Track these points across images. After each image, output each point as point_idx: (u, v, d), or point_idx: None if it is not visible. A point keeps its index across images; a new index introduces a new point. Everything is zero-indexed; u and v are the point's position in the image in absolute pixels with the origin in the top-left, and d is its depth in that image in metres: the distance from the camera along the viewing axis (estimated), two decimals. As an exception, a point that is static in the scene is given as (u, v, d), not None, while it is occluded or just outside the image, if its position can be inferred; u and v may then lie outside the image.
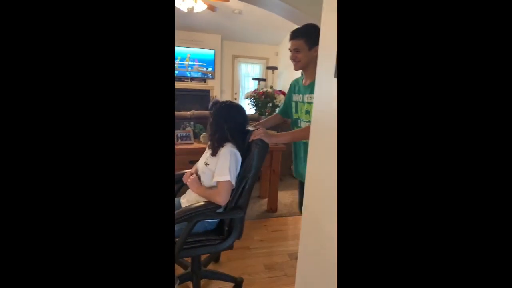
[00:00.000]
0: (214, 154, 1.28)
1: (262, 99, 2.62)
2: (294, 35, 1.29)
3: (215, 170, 1.24)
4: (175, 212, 1.15)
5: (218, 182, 1.23)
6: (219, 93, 5.94)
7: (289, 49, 1.33)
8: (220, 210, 1.25)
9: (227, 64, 6.02)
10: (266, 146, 1.27)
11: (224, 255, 1.72)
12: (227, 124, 1.28)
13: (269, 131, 1.36)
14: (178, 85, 5.35)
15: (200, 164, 1.38)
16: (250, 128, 1.38)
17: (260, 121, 1.70)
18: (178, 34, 5.13)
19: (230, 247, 1.30)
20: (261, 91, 2.66)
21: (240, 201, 1.26)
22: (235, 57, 6.00)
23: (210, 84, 5.81)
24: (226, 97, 6.01)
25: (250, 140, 1.28)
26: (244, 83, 6.29)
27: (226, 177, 1.21)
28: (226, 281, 1.49)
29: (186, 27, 5.18)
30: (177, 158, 1.83)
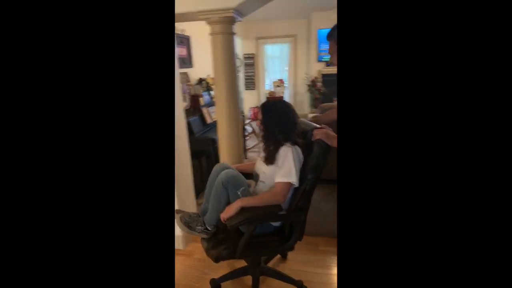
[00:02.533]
0: (271, 161, 1.20)
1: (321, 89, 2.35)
2: (327, 38, 1.24)
3: (278, 172, 1.17)
4: (235, 215, 1.12)
5: (276, 183, 1.17)
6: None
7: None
8: (282, 212, 1.18)
9: (250, 48, 5.72)
10: (327, 147, 1.18)
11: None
12: (277, 126, 1.21)
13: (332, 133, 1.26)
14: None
15: (255, 180, 1.32)
16: (310, 123, 1.29)
17: (317, 115, 1.56)
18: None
19: (290, 249, 1.26)
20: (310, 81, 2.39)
21: (301, 202, 1.20)
22: (258, 39, 5.69)
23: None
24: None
25: (313, 140, 1.19)
26: (270, 66, 6.00)
27: (289, 178, 1.15)
28: (286, 282, 1.43)
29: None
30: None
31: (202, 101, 3.20)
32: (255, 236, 1.20)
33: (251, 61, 5.74)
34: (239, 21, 1.60)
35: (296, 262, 1.59)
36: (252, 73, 5.82)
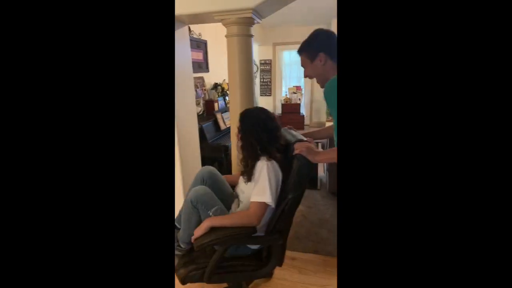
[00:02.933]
0: (249, 177, 1.08)
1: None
2: (298, 52, 1.18)
3: (253, 190, 1.04)
4: (204, 235, 1.01)
5: (250, 203, 1.04)
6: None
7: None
8: (259, 233, 1.06)
9: (266, 54, 5.65)
10: (308, 164, 1.05)
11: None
12: (254, 134, 1.08)
13: (314, 147, 1.14)
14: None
15: (235, 200, 1.21)
16: (298, 134, 1.16)
17: (311, 131, 1.46)
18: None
19: (268, 275, 1.14)
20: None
21: (279, 225, 1.07)
22: (275, 45, 5.61)
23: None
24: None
25: (292, 154, 1.07)
26: (288, 73, 5.90)
27: (262, 198, 1.01)
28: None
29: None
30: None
31: (217, 106, 3.13)
32: (229, 259, 1.10)
33: (267, 67, 5.66)
34: (258, 22, 1.51)
35: (311, 286, 1.46)
36: (268, 79, 5.74)
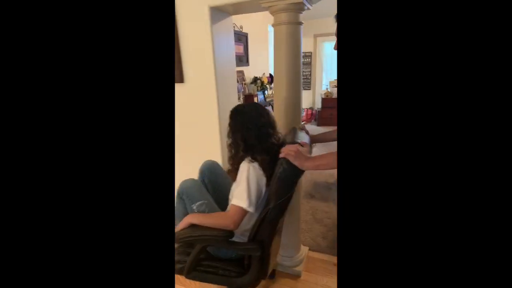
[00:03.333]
0: (234, 177, 1.02)
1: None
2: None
3: (234, 192, 0.98)
4: (183, 229, 0.99)
5: (230, 205, 0.99)
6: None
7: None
8: (241, 238, 1.03)
9: (306, 46, 5.40)
10: (293, 169, 0.91)
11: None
12: (241, 133, 1.01)
13: (304, 151, 0.99)
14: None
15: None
16: (304, 136, 1.06)
17: (325, 132, 1.28)
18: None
19: (250, 286, 1.04)
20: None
21: (260, 234, 0.98)
22: (316, 36, 5.36)
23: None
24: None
25: (280, 157, 0.95)
26: (329, 65, 5.63)
27: (240, 202, 0.94)
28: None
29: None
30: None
31: (256, 100, 3.07)
32: (210, 259, 1.08)
33: (307, 59, 5.46)
34: (308, 9, 1.39)
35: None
36: (308, 72, 5.53)
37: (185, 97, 1.65)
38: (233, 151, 1.06)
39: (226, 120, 1.73)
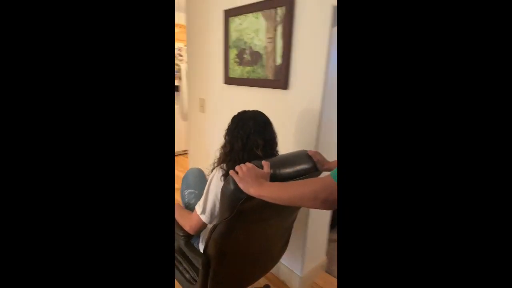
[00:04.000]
0: None
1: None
2: None
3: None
4: None
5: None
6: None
7: None
8: (197, 244, 1.03)
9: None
10: (236, 190, 0.78)
11: None
12: (230, 135, 0.97)
13: (260, 173, 0.83)
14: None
15: None
16: (307, 166, 0.96)
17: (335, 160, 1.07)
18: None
19: None
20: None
21: (208, 249, 0.90)
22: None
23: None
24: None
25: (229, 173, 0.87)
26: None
27: (197, 208, 0.94)
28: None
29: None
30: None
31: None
32: (180, 252, 1.05)
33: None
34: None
35: None
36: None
37: (288, 104, 1.53)
38: (221, 151, 1.03)
39: (332, 129, 1.50)
